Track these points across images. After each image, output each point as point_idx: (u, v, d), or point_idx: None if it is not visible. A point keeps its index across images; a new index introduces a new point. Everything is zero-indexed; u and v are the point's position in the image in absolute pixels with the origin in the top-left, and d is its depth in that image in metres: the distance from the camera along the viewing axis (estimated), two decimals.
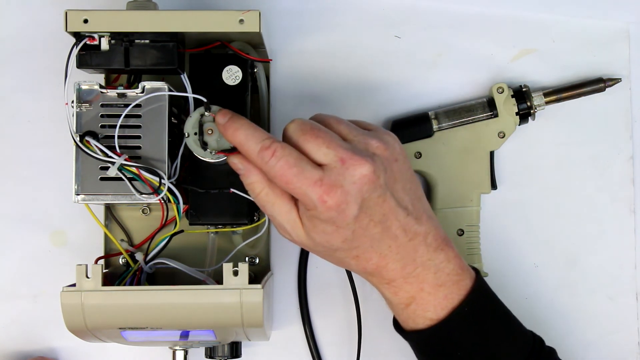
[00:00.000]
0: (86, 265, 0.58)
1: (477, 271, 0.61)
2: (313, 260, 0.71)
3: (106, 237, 0.68)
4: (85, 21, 0.58)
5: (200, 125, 0.58)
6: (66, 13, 0.58)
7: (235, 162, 0.57)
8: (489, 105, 0.69)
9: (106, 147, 0.59)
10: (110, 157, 0.59)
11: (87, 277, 0.58)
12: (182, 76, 0.60)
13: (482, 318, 0.59)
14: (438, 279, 0.58)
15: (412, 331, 0.60)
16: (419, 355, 0.62)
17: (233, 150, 0.57)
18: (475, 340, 0.58)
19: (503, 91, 0.69)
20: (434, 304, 0.58)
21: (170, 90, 0.60)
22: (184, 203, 0.61)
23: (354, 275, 0.70)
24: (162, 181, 0.59)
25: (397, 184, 0.57)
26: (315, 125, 0.56)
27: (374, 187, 0.54)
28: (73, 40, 0.59)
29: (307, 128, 0.55)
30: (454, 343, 0.58)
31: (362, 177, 0.54)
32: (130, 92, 0.60)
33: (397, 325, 0.62)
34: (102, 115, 0.60)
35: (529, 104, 0.69)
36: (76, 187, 0.60)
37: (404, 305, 0.59)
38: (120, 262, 0.68)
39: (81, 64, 0.59)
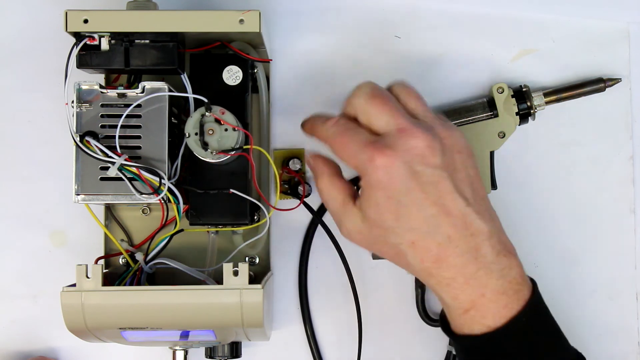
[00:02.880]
0: (86, 265, 0.58)
1: (534, 283, 0.59)
2: (313, 260, 0.71)
3: (106, 237, 0.68)
4: (85, 21, 0.58)
5: (201, 125, 0.58)
6: (66, 13, 0.58)
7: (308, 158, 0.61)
8: (489, 105, 0.69)
9: (106, 147, 0.59)
10: (110, 157, 0.58)
11: (87, 277, 0.58)
12: (182, 76, 0.60)
13: (536, 331, 0.57)
14: (501, 285, 0.55)
15: (464, 336, 0.57)
16: (464, 358, 0.60)
17: (234, 150, 0.58)
18: (526, 352, 0.56)
19: (503, 91, 0.69)
20: (493, 311, 0.55)
21: (170, 90, 0.60)
22: (184, 203, 0.61)
23: (354, 274, 0.69)
24: (162, 181, 0.59)
25: (458, 173, 0.55)
26: (385, 94, 0.56)
27: (426, 162, 0.53)
28: (73, 40, 0.59)
29: (377, 93, 0.56)
30: (505, 352, 0.56)
31: (415, 147, 0.53)
32: (130, 92, 0.60)
33: (446, 327, 0.60)
34: (102, 115, 0.60)
35: (529, 104, 0.69)
36: (76, 187, 0.60)
37: (463, 311, 0.56)
38: (120, 262, 0.68)
39: (81, 64, 0.59)
